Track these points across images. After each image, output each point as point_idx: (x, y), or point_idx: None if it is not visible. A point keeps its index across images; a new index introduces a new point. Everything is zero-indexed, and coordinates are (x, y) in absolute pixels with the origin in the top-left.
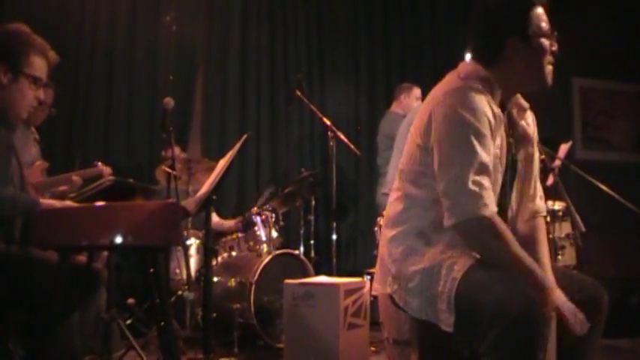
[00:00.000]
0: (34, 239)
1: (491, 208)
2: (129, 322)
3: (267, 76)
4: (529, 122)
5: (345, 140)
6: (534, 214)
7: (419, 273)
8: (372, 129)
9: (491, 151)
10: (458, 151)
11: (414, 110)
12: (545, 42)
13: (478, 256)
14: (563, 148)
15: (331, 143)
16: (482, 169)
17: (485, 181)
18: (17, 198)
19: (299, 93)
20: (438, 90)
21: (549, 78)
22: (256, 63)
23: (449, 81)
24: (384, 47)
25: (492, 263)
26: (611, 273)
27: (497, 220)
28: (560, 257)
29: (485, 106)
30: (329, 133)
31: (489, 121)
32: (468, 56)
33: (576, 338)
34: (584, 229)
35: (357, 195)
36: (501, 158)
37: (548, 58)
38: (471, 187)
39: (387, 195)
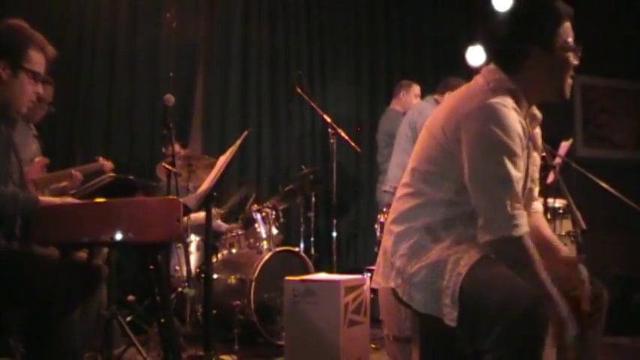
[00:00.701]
0: (35, 236)
1: (523, 228)
2: (129, 318)
3: (267, 74)
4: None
5: (346, 137)
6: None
7: (424, 268)
8: (373, 127)
9: (521, 169)
10: (492, 171)
11: (413, 108)
12: (570, 56)
13: (484, 252)
14: (564, 146)
15: (332, 140)
16: (515, 190)
17: (518, 201)
18: (17, 196)
19: (300, 90)
20: (467, 97)
21: (569, 91)
22: (257, 60)
23: (479, 90)
24: (386, 45)
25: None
26: (612, 271)
27: (528, 242)
28: None
29: (517, 122)
30: (329, 130)
31: (521, 139)
32: (469, 53)
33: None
34: (584, 227)
35: (358, 192)
36: (526, 171)
37: (570, 72)
38: (507, 207)
39: (387, 192)
